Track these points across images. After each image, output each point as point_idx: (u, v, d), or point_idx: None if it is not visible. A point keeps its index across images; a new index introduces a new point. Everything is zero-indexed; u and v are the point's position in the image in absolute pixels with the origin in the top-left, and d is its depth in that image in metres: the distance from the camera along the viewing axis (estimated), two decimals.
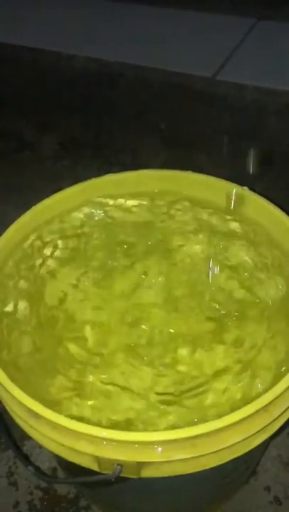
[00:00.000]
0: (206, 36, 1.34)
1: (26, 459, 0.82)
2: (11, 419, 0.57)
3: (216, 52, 1.25)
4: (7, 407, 0.56)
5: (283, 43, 1.27)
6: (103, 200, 0.79)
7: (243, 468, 0.74)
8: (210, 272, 0.70)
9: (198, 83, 1.18)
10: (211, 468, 0.52)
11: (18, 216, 0.73)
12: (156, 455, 0.49)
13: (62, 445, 0.51)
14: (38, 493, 0.82)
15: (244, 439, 0.51)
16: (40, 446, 0.85)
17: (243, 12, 1.41)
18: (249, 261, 0.70)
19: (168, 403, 0.56)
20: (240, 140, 1.21)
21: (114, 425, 0.54)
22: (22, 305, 0.66)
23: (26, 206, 0.74)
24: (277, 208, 0.72)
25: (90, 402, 0.56)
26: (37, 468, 0.80)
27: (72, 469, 0.64)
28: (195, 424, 0.51)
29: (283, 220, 0.70)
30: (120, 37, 1.38)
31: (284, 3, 1.37)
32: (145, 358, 0.61)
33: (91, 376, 0.59)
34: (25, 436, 0.85)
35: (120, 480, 0.50)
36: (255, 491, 0.81)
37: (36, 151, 1.46)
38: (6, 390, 0.53)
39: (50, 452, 0.57)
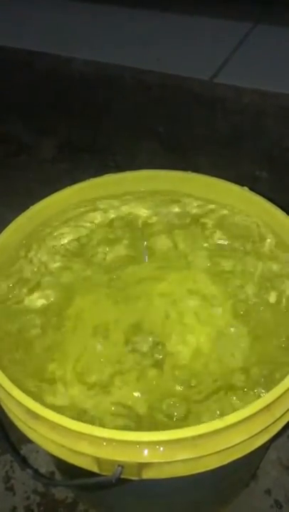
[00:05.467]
0: (204, 39, 1.34)
1: (24, 462, 0.81)
2: (9, 422, 0.56)
3: (213, 56, 1.26)
4: (5, 408, 0.56)
5: (280, 47, 1.28)
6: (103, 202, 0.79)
7: (244, 470, 0.73)
8: None
9: (196, 86, 1.19)
10: (212, 470, 0.51)
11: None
12: (158, 455, 0.48)
13: (62, 446, 0.50)
14: (36, 498, 0.81)
15: (246, 440, 0.50)
16: (38, 451, 0.85)
17: (240, 16, 1.41)
18: None
19: None
20: (238, 142, 1.21)
21: None
22: None
23: (23, 209, 0.74)
24: (277, 207, 0.72)
25: None
26: (35, 471, 0.79)
27: (71, 472, 0.63)
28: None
29: (283, 220, 0.70)
30: (118, 40, 1.38)
31: (281, 7, 1.38)
32: None
33: None
34: (22, 441, 0.85)
35: (121, 482, 0.49)
36: (256, 494, 0.81)
37: (34, 155, 1.46)
38: (5, 390, 0.52)
39: (50, 454, 0.56)
